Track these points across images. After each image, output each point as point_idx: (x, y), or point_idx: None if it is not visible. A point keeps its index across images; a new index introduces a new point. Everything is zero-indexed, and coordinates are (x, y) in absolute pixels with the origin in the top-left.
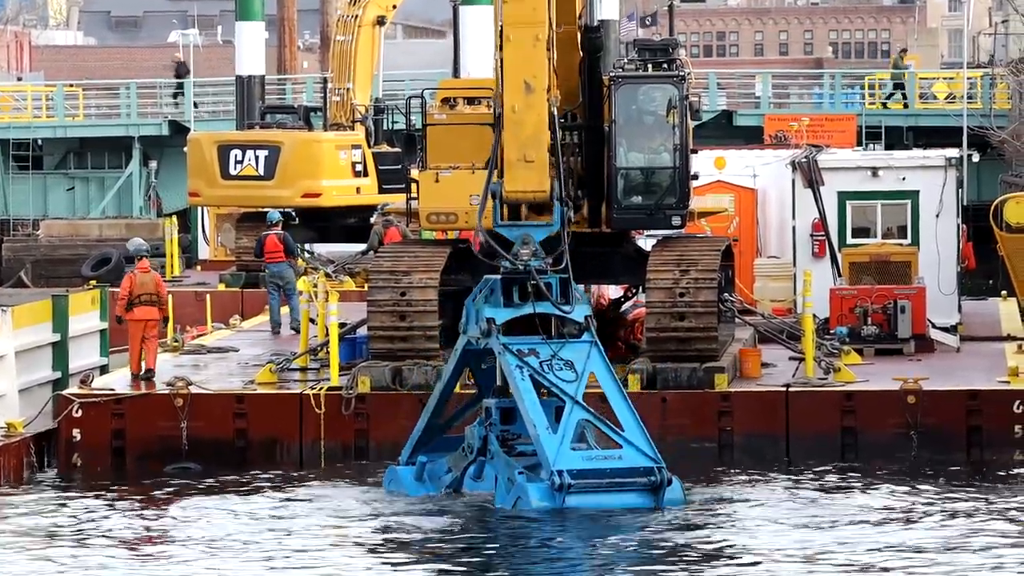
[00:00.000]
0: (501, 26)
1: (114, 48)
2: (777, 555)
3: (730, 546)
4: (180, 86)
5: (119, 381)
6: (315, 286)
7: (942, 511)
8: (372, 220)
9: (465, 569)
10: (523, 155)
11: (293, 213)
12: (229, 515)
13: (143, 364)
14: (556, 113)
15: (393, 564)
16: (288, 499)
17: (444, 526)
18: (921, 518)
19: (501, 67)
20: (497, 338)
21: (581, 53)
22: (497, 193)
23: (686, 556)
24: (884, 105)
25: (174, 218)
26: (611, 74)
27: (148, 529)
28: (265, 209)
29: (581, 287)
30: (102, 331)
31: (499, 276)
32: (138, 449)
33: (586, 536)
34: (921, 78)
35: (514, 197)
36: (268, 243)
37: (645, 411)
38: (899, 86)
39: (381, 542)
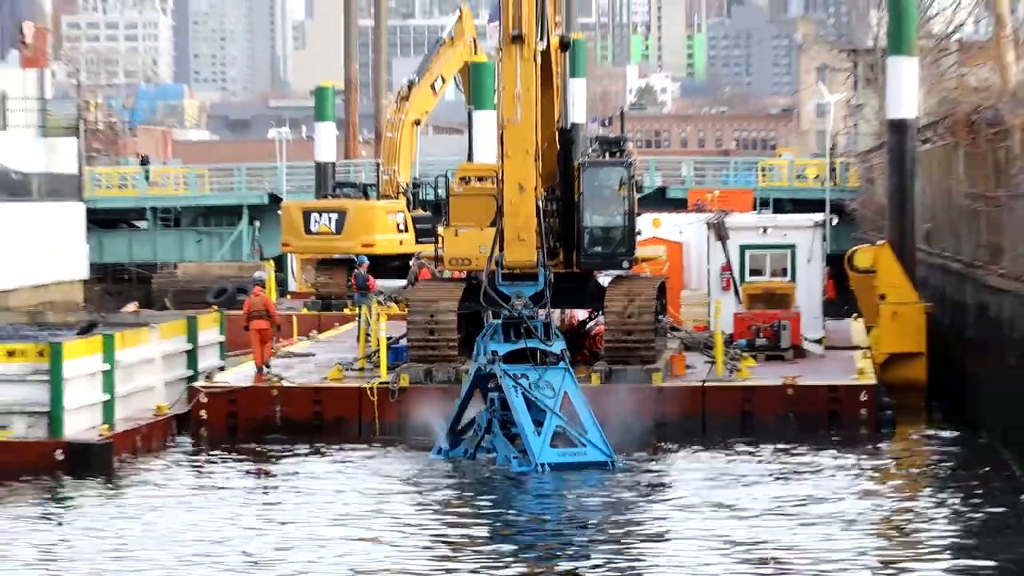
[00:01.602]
0: (502, 139)
1: (230, 142)
2: (695, 501)
3: (664, 499)
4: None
5: (233, 377)
6: (370, 310)
7: (810, 469)
8: (411, 263)
9: (469, 510)
10: (518, 235)
11: (364, 259)
12: (307, 471)
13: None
14: (541, 205)
15: (421, 503)
16: (350, 460)
17: (459, 480)
18: (797, 475)
19: (502, 173)
20: (499, 366)
21: (558, 146)
22: (499, 262)
23: (637, 504)
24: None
25: (271, 261)
26: (579, 160)
27: (254, 480)
28: (336, 256)
29: (557, 316)
30: (221, 342)
31: (500, 321)
32: (247, 426)
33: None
34: (798, 164)
35: (511, 266)
36: (366, 281)
37: (604, 400)
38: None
39: (414, 488)
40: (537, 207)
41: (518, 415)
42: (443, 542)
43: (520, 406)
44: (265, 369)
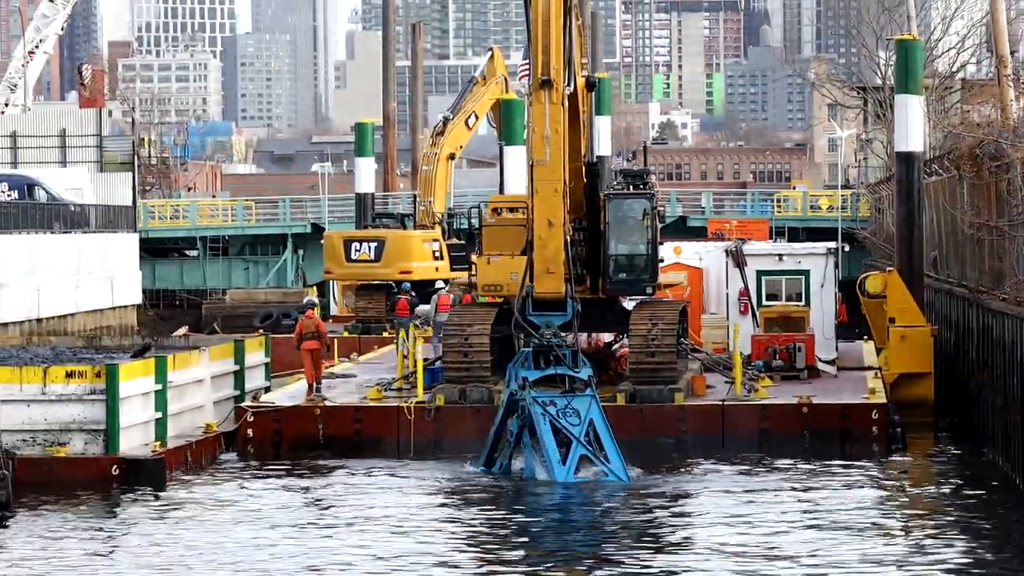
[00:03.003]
0: (531, 176)
1: (275, 175)
2: (718, 512)
3: (681, 511)
4: None
5: (278, 397)
6: (407, 333)
7: (824, 482)
8: (438, 288)
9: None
10: (547, 268)
11: (407, 285)
12: (347, 486)
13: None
14: (568, 239)
15: (456, 511)
16: (390, 474)
17: (491, 493)
18: (813, 487)
19: (531, 208)
20: (529, 393)
21: (585, 179)
22: (529, 293)
23: (658, 517)
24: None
25: (314, 287)
26: (605, 192)
27: (299, 492)
28: (375, 281)
29: (583, 339)
30: (266, 364)
31: (531, 349)
32: (291, 443)
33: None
34: (811, 195)
35: (541, 296)
36: (399, 304)
37: (628, 419)
38: None
39: (448, 500)
40: (565, 241)
41: (544, 443)
42: (470, 551)
43: (547, 433)
44: (317, 387)
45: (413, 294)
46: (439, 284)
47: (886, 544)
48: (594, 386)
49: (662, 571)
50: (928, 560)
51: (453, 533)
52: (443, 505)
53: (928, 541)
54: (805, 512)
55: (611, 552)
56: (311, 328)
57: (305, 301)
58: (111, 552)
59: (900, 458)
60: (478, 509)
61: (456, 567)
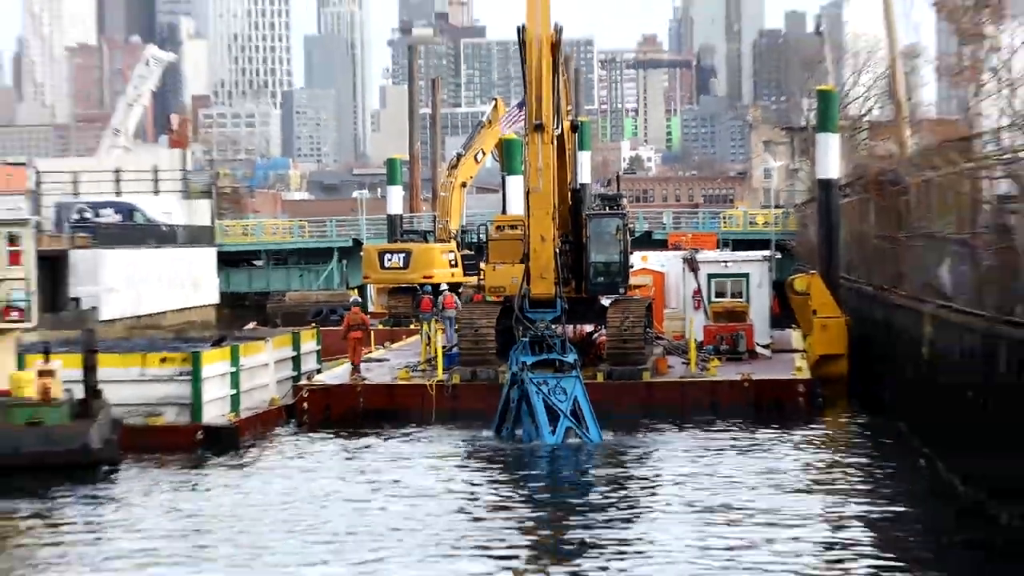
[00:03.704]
0: (528, 201)
1: (324, 200)
2: (676, 465)
3: (651, 465)
4: None
5: (327, 377)
6: (430, 326)
7: (762, 443)
8: (460, 291)
9: (502, 472)
10: (540, 274)
11: (429, 287)
12: (384, 444)
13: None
14: (557, 251)
15: (467, 467)
16: (417, 438)
17: (500, 450)
18: (752, 445)
19: (528, 226)
20: (526, 374)
21: (571, 202)
22: (526, 294)
23: (628, 470)
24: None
25: (355, 289)
26: (586, 212)
27: (345, 450)
28: (404, 285)
29: (570, 331)
30: (317, 351)
31: (528, 338)
32: (338, 414)
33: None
34: (750, 214)
35: (536, 297)
36: (424, 302)
37: (606, 393)
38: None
39: (464, 458)
40: (554, 252)
41: (538, 416)
42: (480, 493)
43: (540, 408)
44: (360, 367)
45: (438, 293)
46: (443, 287)
47: (808, 489)
48: (579, 368)
49: (628, 513)
50: (839, 502)
51: (467, 481)
52: (459, 464)
53: (840, 485)
54: (746, 465)
55: (591, 500)
56: (357, 321)
57: (351, 300)
58: (196, 499)
59: (821, 422)
60: (487, 464)
61: (470, 502)
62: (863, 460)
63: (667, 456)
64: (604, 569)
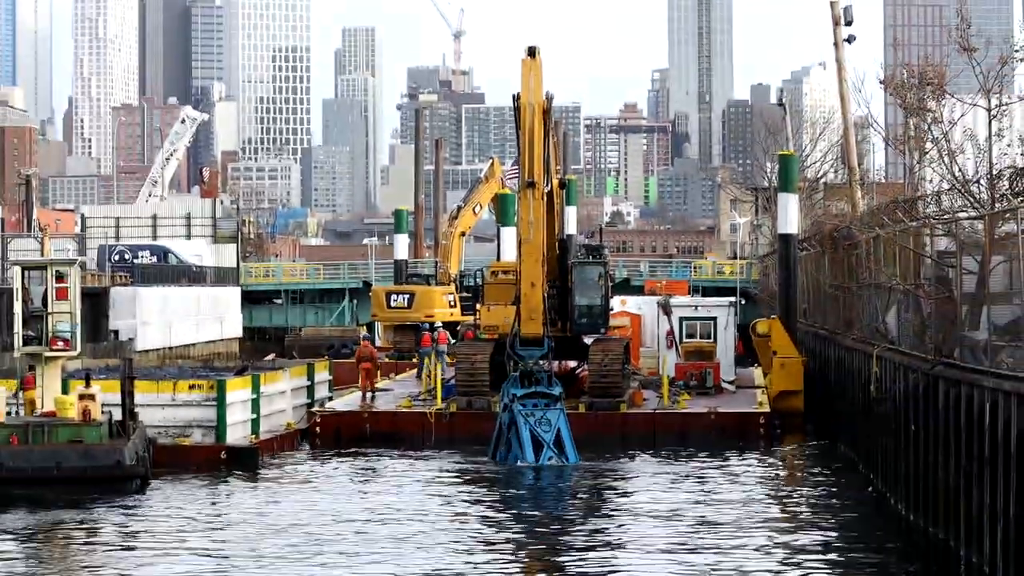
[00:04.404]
0: (519, 250)
1: (338, 246)
2: (648, 487)
3: (626, 486)
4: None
5: (338, 404)
6: (431, 360)
7: (725, 466)
8: (458, 329)
9: (492, 492)
10: (530, 316)
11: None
12: (390, 465)
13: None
14: (546, 295)
15: (462, 487)
16: (417, 459)
17: (491, 470)
18: (717, 470)
19: (519, 273)
20: (516, 405)
21: (558, 251)
22: (517, 333)
23: (603, 490)
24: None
25: (364, 326)
26: (572, 260)
27: (354, 471)
28: (408, 323)
29: (556, 366)
30: (330, 380)
31: (517, 373)
32: (347, 437)
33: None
34: (718, 264)
35: (525, 335)
36: (423, 338)
37: (587, 423)
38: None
39: (459, 478)
40: (543, 296)
41: (524, 445)
42: (472, 505)
43: (526, 436)
44: (369, 395)
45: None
46: (437, 325)
47: (765, 508)
48: (562, 400)
49: (602, 527)
50: (794, 516)
51: (461, 497)
52: (455, 481)
53: (794, 504)
54: (711, 488)
55: (568, 514)
56: (366, 354)
57: (362, 335)
58: (220, 513)
59: (779, 450)
60: (479, 484)
61: (463, 514)
62: (814, 480)
63: (639, 479)
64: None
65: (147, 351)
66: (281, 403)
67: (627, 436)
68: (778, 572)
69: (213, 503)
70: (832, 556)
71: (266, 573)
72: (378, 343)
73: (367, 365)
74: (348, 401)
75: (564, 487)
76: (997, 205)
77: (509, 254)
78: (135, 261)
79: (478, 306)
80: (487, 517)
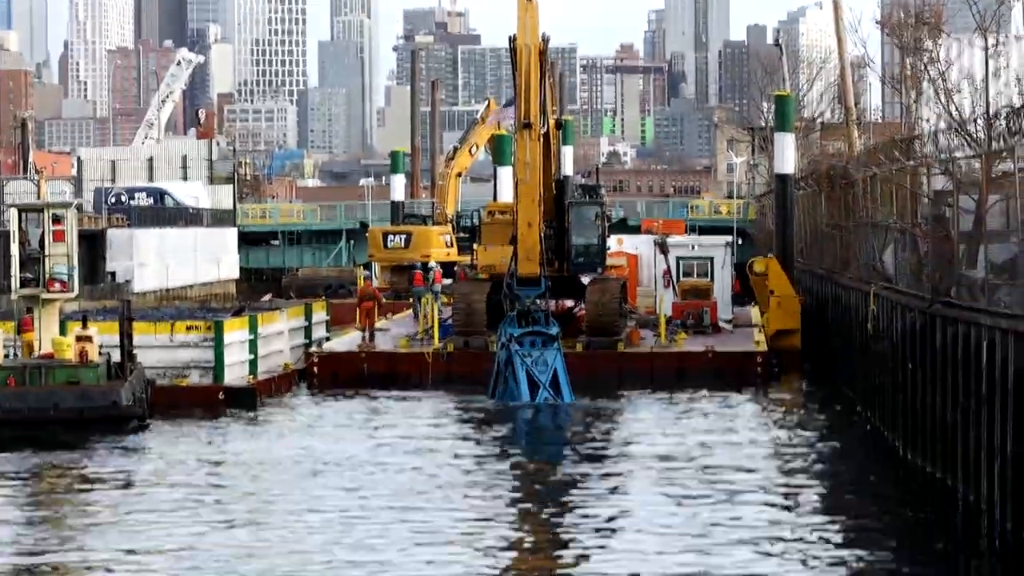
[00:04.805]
0: (516, 191)
1: (334, 187)
2: (644, 427)
3: (622, 426)
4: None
5: (336, 344)
6: (427, 301)
7: (723, 405)
8: (455, 269)
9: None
10: (527, 256)
11: (424, 264)
12: (387, 406)
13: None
14: (542, 234)
15: (458, 427)
16: (416, 397)
17: (491, 409)
18: (714, 409)
19: (516, 213)
20: (513, 345)
21: (555, 191)
22: (514, 273)
23: (601, 429)
24: None
25: (361, 267)
26: (569, 200)
27: (352, 413)
28: (405, 263)
29: (553, 305)
30: (327, 321)
31: (514, 312)
32: (345, 378)
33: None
34: (715, 203)
35: (522, 276)
36: (416, 277)
37: (585, 362)
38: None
39: (457, 412)
40: (540, 236)
41: (520, 385)
42: (472, 442)
43: (523, 377)
44: (368, 335)
45: (428, 269)
46: (432, 264)
47: (762, 447)
48: (559, 339)
49: (595, 472)
50: (790, 453)
51: (460, 435)
52: (457, 420)
53: (792, 445)
54: (707, 426)
55: (564, 454)
56: (369, 293)
57: (363, 275)
58: (219, 452)
59: (777, 389)
60: (480, 422)
61: (465, 447)
62: (812, 420)
63: (635, 416)
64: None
65: (144, 293)
66: (278, 343)
67: (624, 375)
68: (775, 518)
69: (209, 443)
70: (829, 498)
71: (262, 517)
72: (375, 284)
73: (369, 304)
74: (346, 341)
75: (560, 427)
76: (994, 144)
77: (506, 194)
78: (131, 203)
79: (475, 246)
80: (481, 458)
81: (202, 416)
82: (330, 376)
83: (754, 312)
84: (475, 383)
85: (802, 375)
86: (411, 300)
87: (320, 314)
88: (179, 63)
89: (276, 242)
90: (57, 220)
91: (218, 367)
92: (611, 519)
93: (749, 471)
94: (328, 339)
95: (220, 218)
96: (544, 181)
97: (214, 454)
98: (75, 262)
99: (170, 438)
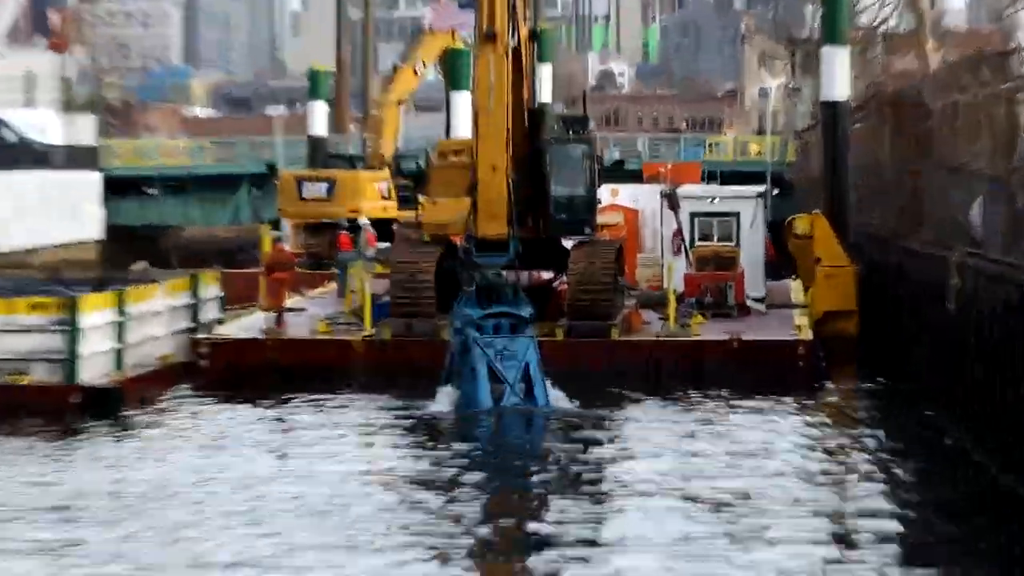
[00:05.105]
0: (476, 122)
1: (232, 118)
2: (649, 442)
3: (615, 455)
4: None
5: (232, 329)
6: (356, 271)
7: (755, 425)
8: (393, 228)
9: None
10: (491, 212)
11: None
12: (299, 413)
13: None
14: (511, 183)
15: (394, 444)
16: (342, 403)
17: (437, 420)
18: (740, 423)
19: (477, 153)
20: (471, 333)
21: (528, 125)
22: (473, 234)
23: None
24: None
25: (268, 225)
26: (547, 137)
27: (254, 421)
28: (327, 220)
29: (524, 276)
30: (221, 298)
31: (473, 288)
32: (244, 374)
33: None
34: (741, 140)
35: (484, 238)
36: (342, 239)
37: (567, 355)
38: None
39: (396, 423)
40: (508, 185)
41: (480, 386)
42: (413, 474)
43: (483, 376)
44: (278, 316)
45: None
46: (363, 221)
47: (810, 481)
48: (533, 323)
49: (581, 511)
50: (845, 506)
51: (398, 458)
52: (389, 436)
53: (852, 473)
54: (733, 449)
55: (533, 487)
56: (281, 260)
57: (274, 236)
58: (65, 476)
59: (824, 393)
60: (427, 436)
61: (406, 469)
62: (876, 443)
63: (635, 430)
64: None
65: None
66: (155, 328)
67: (620, 372)
68: None
69: (57, 463)
70: (911, 536)
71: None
72: (287, 248)
73: (279, 276)
74: (246, 325)
75: (533, 444)
76: None
77: (463, 129)
78: None
79: (421, 198)
80: (427, 490)
81: (46, 427)
82: (225, 372)
83: (795, 287)
84: (421, 381)
85: (859, 373)
86: (335, 270)
87: (212, 289)
88: None
89: (153, 191)
90: None
91: (71, 360)
92: None
93: (793, 514)
94: (222, 322)
95: (77, 158)
96: (514, 111)
97: (45, 493)
98: None
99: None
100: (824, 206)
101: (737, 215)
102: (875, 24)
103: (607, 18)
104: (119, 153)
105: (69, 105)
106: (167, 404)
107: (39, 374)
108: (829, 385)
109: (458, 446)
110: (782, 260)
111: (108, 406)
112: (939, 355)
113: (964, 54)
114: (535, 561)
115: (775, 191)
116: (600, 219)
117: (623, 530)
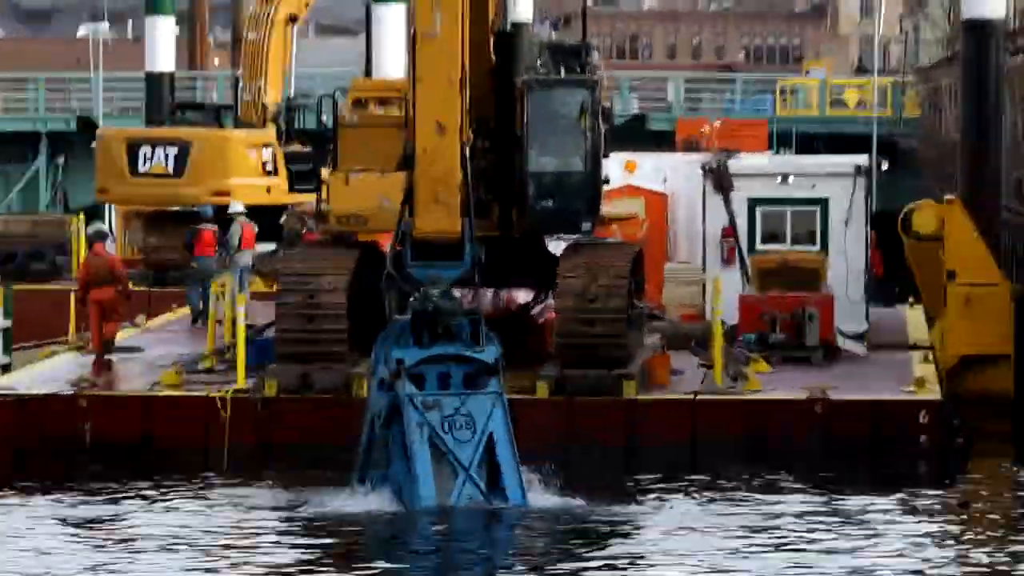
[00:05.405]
0: (414, 57)
1: (22, 40)
2: (676, 561)
3: (634, 554)
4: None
5: (22, 380)
6: (222, 286)
7: (842, 522)
8: (281, 221)
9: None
10: (435, 195)
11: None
12: (128, 513)
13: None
14: (467, 154)
15: (292, 553)
16: (199, 501)
17: (342, 526)
18: (827, 528)
19: (413, 105)
20: (404, 385)
21: (494, 58)
22: (408, 230)
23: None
24: None
25: (82, 215)
26: (523, 78)
27: (50, 523)
28: (176, 208)
29: (488, 301)
30: (5, 329)
31: (408, 315)
32: (43, 450)
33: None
34: (833, 84)
35: (425, 236)
36: (204, 237)
37: (552, 418)
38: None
39: (288, 535)
40: (463, 155)
41: (420, 471)
42: None
43: (423, 458)
44: (99, 356)
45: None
46: (236, 208)
47: None
48: (501, 373)
49: None
50: None
51: None
52: (268, 552)
53: None
54: (815, 569)
55: None
56: (103, 270)
57: (91, 231)
58: None
59: (962, 484)
60: (336, 557)
61: None
62: None
63: (661, 541)
64: None
65: None
66: None
67: (637, 450)
68: None
69: None
70: None
71: None
72: (112, 251)
73: (104, 293)
74: (47, 373)
75: (499, 568)
76: None
77: (393, 65)
78: None
79: (326, 173)
80: None
81: None
82: (10, 446)
83: (913, 317)
84: (323, 460)
85: (1016, 451)
86: (189, 286)
87: None
88: None
89: None
90: None
91: None
92: None
93: None
94: (8, 369)
95: None
96: (472, 37)
97: None
98: None
99: None
100: (963, 188)
101: (824, 203)
102: None
103: None
104: None
105: None
106: None
107: None
108: (968, 473)
109: (382, 566)
110: (894, 273)
111: None
112: None
113: None
114: None
115: (885, 164)
116: (607, 209)
117: None
